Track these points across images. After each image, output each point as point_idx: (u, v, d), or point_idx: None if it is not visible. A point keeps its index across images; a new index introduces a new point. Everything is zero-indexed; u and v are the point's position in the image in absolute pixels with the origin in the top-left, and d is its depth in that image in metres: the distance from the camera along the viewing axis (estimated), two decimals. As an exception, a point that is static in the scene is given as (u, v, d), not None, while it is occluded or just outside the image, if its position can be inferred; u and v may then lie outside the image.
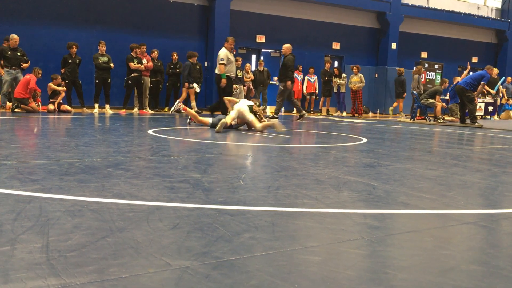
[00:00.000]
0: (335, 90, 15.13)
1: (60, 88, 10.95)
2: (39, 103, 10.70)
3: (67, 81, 11.32)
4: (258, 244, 1.81)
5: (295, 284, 1.45)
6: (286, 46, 10.58)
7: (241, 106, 6.96)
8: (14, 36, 10.79)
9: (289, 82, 10.27)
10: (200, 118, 7.62)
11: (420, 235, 2.06)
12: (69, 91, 11.43)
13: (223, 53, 9.85)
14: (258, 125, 6.83)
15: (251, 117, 6.84)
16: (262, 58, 16.11)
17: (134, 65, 11.46)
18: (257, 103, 7.43)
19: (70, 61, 11.32)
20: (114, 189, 2.67)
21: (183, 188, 2.77)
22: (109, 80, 11.61)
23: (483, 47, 21.38)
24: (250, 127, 7.10)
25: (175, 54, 13.09)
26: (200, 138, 6.12)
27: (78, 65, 11.48)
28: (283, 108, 15.03)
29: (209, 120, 7.37)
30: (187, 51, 13.74)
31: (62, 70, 11.39)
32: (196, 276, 1.48)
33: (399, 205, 2.60)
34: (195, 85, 12.48)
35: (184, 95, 12.49)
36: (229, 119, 6.90)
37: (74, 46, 11.38)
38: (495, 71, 15.05)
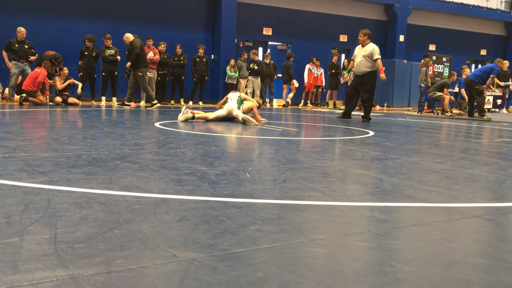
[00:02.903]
0: (342, 82, 15.04)
1: (75, 82, 11.12)
2: (48, 96, 10.75)
3: (81, 73, 11.44)
4: (265, 237, 1.81)
5: (301, 276, 1.45)
6: (128, 35, 10.80)
7: (229, 105, 7.63)
8: (21, 29, 10.84)
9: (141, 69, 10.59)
10: (212, 116, 7.54)
11: (426, 228, 2.06)
12: (83, 83, 11.52)
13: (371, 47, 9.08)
14: (240, 116, 7.35)
15: (236, 112, 7.48)
16: (268, 50, 16.06)
17: (149, 56, 11.59)
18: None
19: (86, 53, 11.44)
20: (121, 182, 2.68)
21: (190, 181, 2.78)
22: (116, 72, 11.66)
23: (492, 40, 21.17)
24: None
25: (178, 47, 13.12)
26: (207, 131, 6.13)
27: (95, 58, 11.60)
28: (289, 101, 15.01)
29: (218, 113, 7.47)
30: (196, 44, 13.81)
31: (80, 63, 11.52)
32: (202, 268, 1.49)
33: (406, 198, 2.59)
34: (294, 81, 14.88)
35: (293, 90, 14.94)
36: (215, 114, 7.52)
37: (86, 40, 11.48)
38: (506, 63, 14.89)
